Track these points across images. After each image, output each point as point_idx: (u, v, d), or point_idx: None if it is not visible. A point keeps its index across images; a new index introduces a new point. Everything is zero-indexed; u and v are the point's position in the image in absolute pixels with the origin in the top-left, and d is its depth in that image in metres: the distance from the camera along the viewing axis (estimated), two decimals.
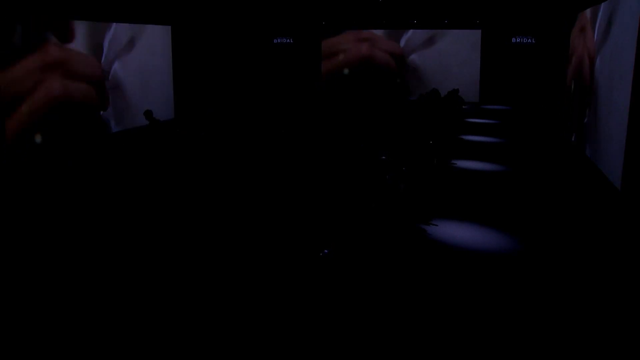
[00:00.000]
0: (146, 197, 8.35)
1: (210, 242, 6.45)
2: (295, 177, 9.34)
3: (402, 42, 20.50)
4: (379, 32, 20.77)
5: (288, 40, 22.01)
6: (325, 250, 5.19)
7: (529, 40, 19.26)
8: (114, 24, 13.45)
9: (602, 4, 9.74)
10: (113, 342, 4.32)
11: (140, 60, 14.67)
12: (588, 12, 11.17)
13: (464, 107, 15.41)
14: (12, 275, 5.57)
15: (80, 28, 12.39)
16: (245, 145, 11.91)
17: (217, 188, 8.82)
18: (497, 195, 8.51)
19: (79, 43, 12.42)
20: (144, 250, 6.20)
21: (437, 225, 6.93)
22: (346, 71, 21.14)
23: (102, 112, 13.36)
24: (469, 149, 12.04)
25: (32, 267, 5.75)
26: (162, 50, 15.71)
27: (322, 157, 10.64)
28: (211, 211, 7.61)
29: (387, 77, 20.72)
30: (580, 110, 11.37)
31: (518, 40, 19.40)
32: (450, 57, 20.10)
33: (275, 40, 22.08)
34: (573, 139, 12.13)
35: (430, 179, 9.16)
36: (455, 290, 5.22)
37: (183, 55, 16.42)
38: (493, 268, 5.75)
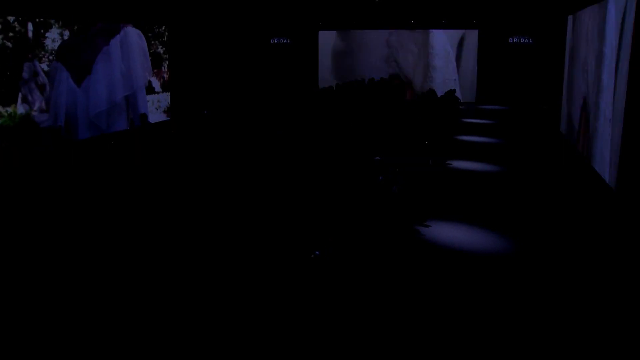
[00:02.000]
0: (144, 197, 8.33)
1: (205, 242, 6.43)
2: (290, 177, 9.31)
3: None
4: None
5: (285, 41, 22.00)
6: (317, 252, 5.17)
7: (526, 41, 19.25)
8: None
9: None
10: (113, 341, 4.31)
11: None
12: None
13: (460, 107, 15.40)
14: (12, 274, 5.56)
15: None
16: (241, 146, 11.88)
17: (213, 189, 8.80)
18: (493, 196, 8.50)
19: None
20: (140, 249, 6.18)
21: (430, 226, 6.91)
22: None
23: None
24: (465, 149, 12.02)
25: (32, 267, 5.73)
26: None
27: (318, 157, 10.61)
28: (206, 212, 7.59)
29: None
30: None
31: (515, 40, 19.38)
32: None
33: (272, 41, 22.06)
34: None
35: (425, 180, 9.14)
36: (449, 292, 5.21)
37: (179, 55, 16.39)
38: (487, 269, 5.73)
